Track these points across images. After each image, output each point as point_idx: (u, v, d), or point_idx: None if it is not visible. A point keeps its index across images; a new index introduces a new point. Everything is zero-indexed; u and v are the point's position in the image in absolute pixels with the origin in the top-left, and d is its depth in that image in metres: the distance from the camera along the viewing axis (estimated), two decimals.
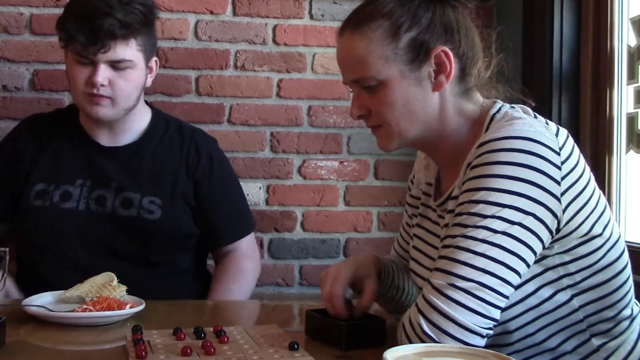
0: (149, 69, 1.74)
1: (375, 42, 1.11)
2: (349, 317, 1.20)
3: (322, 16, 2.33)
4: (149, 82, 1.77)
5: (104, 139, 1.76)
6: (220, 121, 2.29)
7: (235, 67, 2.30)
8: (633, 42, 1.88)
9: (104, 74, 1.62)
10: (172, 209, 1.73)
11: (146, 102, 1.87)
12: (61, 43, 1.68)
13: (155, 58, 1.76)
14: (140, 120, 1.79)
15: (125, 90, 1.66)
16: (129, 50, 1.64)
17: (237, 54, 2.30)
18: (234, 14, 2.30)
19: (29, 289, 1.46)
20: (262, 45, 2.31)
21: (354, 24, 1.14)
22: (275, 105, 2.32)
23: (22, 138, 1.78)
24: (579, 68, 2.07)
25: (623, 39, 1.91)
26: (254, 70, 2.31)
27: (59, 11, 1.72)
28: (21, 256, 1.77)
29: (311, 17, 2.33)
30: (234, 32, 2.30)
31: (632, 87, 1.88)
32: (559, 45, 2.09)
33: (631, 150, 1.88)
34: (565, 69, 2.09)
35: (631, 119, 1.88)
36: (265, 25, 2.31)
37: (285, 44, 2.32)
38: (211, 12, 2.29)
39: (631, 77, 1.88)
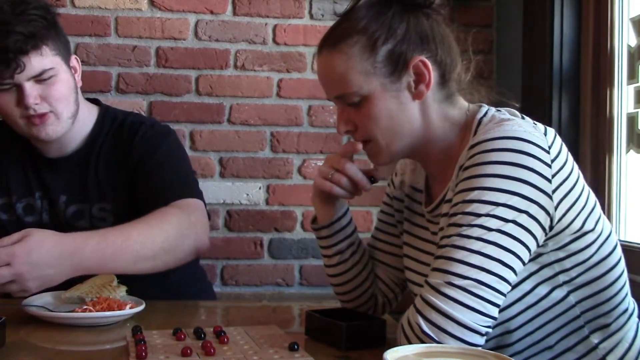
0: (72, 69, 1.63)
1: (354, 58, 1.12)
2: (348, 318, 1.20)
3: (322, 16, 2.33)
4: (79, 82, 1.66)
5: (51, 151, 1.66)
6: (220, 121, 2.29)
7: (235, 67, 2.30)
8: (633, 42, 1.88)
9: (32, 92, 1.51)
10: (125, 213, 1.59)
11: (94, 101, 1.76)
12: None
13: (74, 56, 1.65)
14: (84, 124, 1.67)
15: (61, 98, 1.56)
16: (45, 59, 1.52)
17: (237, 54, 2.30)
18: (234, 13, 2.30)
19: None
20: (262, 45, 2.31)
21: (331, 42, 1.15)
22: (275, 105, 2.32)
23: None
24: (579, 68, 2.07)
25: (623, 39, 1.91)
26: (254, 70, 2.31)
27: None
28: None
29: (311, 16, 2.33)
30: (234, 31, 2.30)
31: (632, 87, 1.88)
32: (559, 45, 2.09)
33: (631, 150, 1.88)
34: (565, 69, 2.09)
35: (631, 119, 1.88)
36: (265, 25, 2.31)
37: (285, 44, 2.32)
38: (211, 12, 2.29)
39: (631, 77, 1.88)
